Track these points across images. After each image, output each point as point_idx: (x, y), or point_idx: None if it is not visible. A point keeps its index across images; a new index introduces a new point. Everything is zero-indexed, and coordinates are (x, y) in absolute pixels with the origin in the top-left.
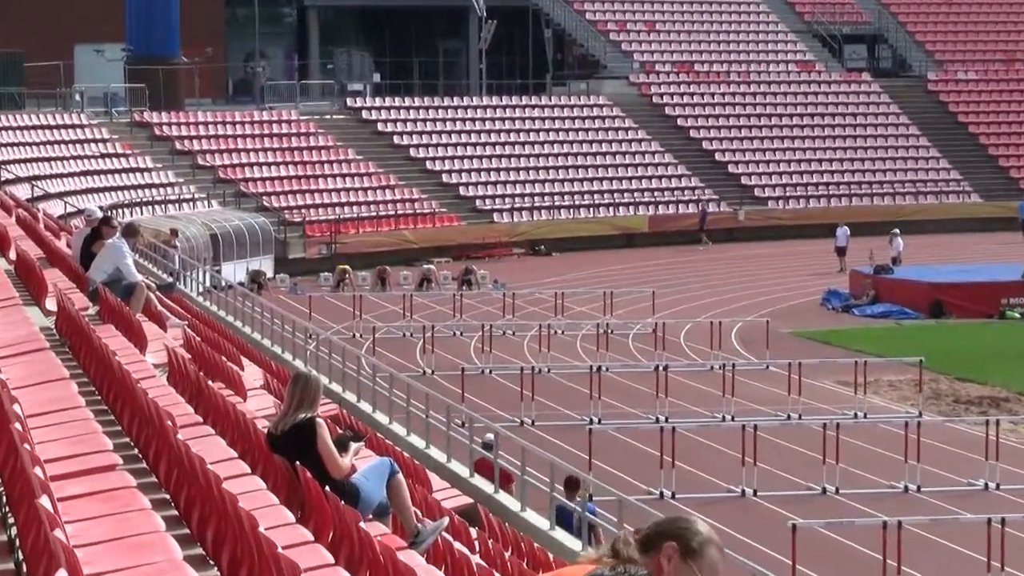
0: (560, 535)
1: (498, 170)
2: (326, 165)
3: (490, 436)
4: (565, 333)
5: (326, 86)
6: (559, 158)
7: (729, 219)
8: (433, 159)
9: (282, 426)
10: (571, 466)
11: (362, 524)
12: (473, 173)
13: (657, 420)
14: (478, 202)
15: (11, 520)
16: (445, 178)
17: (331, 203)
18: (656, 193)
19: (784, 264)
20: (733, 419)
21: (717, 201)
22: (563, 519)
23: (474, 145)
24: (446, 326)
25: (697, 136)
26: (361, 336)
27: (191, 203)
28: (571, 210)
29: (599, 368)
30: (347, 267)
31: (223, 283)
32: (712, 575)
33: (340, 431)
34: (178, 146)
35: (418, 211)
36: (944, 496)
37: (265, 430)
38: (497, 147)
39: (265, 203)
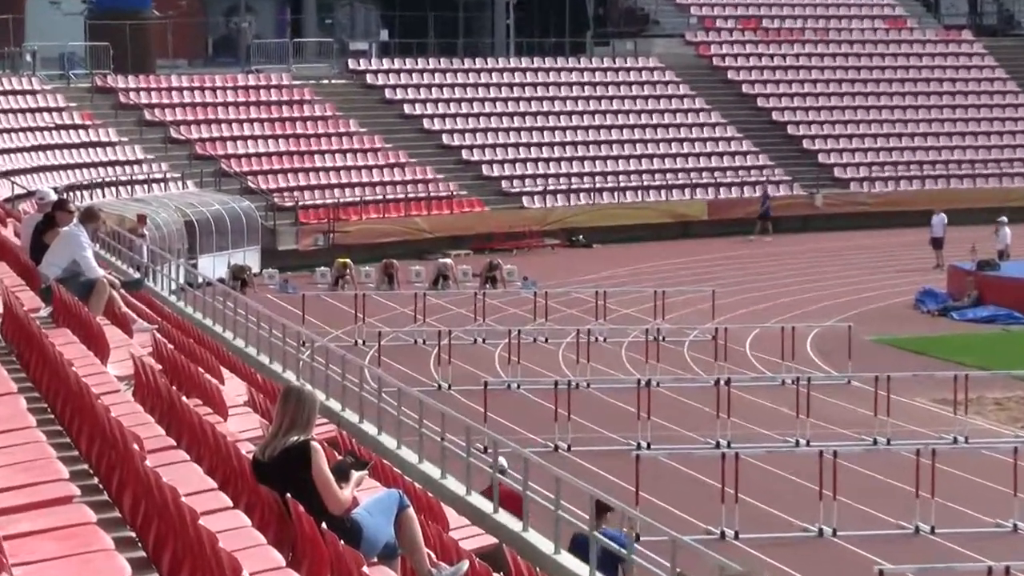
0: None
1: (528, 146)
2: (323, 139)
3: (501, 460)
4: (608, 340)
5: (323, 45)
6: (601, 131)
7: (804, 204)
8: (451, 132)
9: (270, 451)
10: (614, 499)
11: (365, 569)
12: (498, 149)
13: (717, 445)
14: (504, 184)
15: None
16: (465, 155)
17: (329, 184)
18: (717, 174)
19: (869, 258)
20: (808, 444)
21: (789, 183)
22: (578, 547)
23: (500, 116)
24: (466, 332)
25: (765, 105)
26: (364, 343)
27: (162, 184)
28: (615, 193)
29: (648, 382)
30: (348, 261)
31: (200, 279)
32: None
33: (339, 457)
34: (147, 116)
35: (433, 194)
36: None
37: (250, 455)
38: (527, 118)
39: (251, 184)
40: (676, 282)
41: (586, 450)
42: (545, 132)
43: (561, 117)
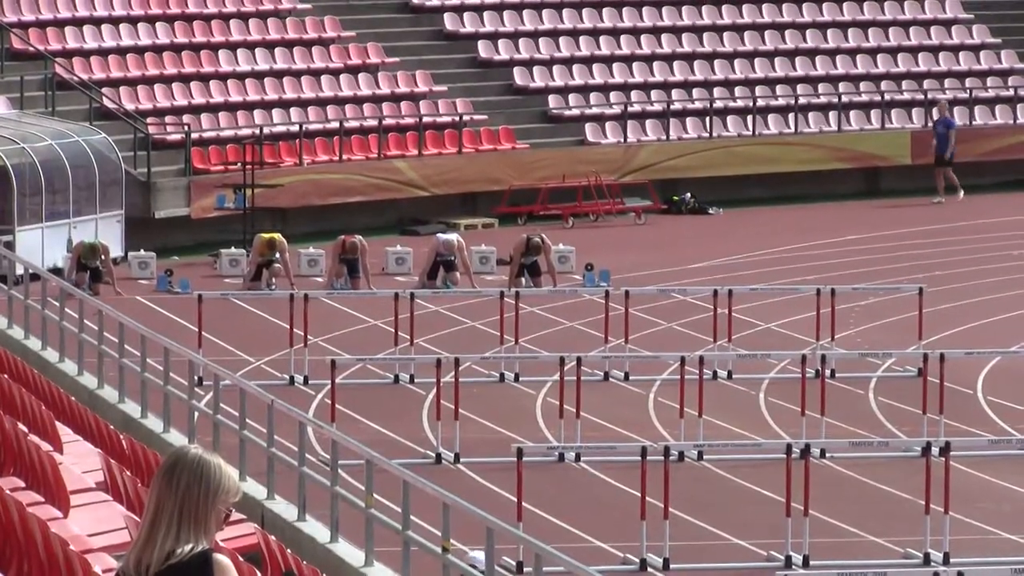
0: None
1: (593, 33)
2: (236, 23)
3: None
4: (735, 376)
5: None
6: (713, 13)
7: None
8: (458, 11)
9: (145, 565)
10: None
11: None
12: (542, 42)
13: (926, 560)
14: (553, 102)
15: None
16: (483, 52)
17: (245, 103)
18: (929, 84)
19: None
20: None
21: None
22: None
23: None
24: (485, 361)
25: None
26: (307, 381)
27: None
28: (746, 119)
29: (806, 450)
30: (277, 237)
31: (18, 271)
32: None
33: None
34: None
35: (427, 120)
36: None
37: None
38: None
39: (108, 102)
40: (852, 274)
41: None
42: (623, 13)
43: None
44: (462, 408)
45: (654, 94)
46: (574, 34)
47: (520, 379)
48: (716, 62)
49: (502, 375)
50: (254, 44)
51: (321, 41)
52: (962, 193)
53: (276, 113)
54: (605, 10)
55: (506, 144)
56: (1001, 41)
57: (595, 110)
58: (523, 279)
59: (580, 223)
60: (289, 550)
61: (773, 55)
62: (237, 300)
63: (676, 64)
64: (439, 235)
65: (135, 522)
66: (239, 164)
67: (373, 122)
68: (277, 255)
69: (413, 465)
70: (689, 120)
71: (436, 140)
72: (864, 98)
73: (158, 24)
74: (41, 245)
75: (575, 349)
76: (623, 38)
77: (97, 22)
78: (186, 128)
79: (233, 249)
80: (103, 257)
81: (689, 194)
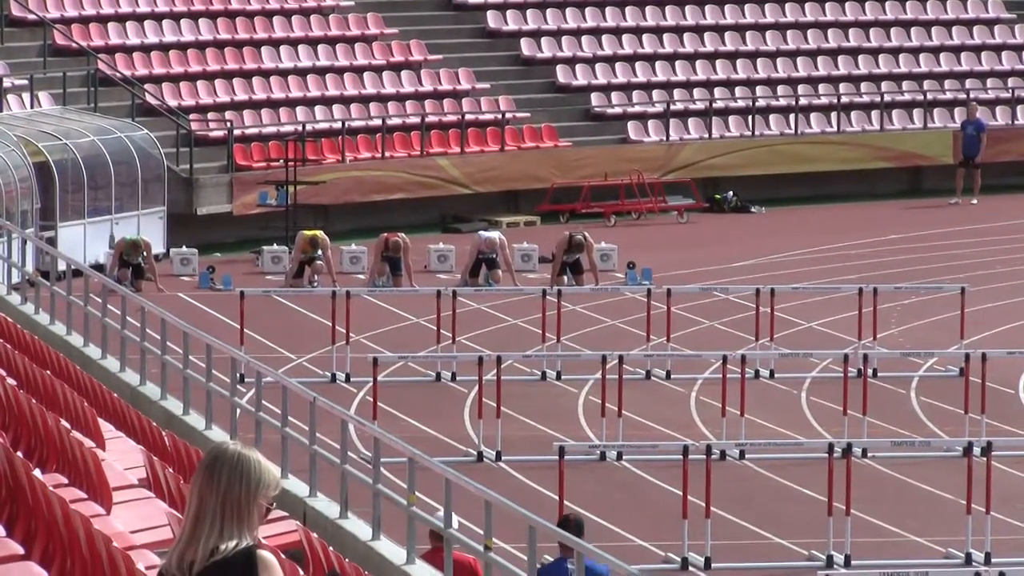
0: None
1: (636, 32)
2: (281, 19)
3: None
4: (777, 375)
5: None
6: (756, 12)
7: None
8: (501, 9)
9: (188, 565)
10: None
11: None
12: (585, 41)
13: (969, 561)
14: (595, 100)
15: None
16: (526, 50)
17: (288, 99)
18: (971, 84)
19: None
20: None
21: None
22: None
23: None
24: (527, 359)
25: None
26: (349, 379)
27: None
28: (788, 118)
29: (848, 449)
30: (318, 234)
31: (60, 267)
32: None
33: None
34: None
35: (470, 118)
36: None
37: (153, 574)
38: None
39: (151, 98)
40: (894, 273)
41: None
42: (666, 11)
43: None
44: (504, 406)
45: (697, 92)
46: (617, 32)
47: (562, 377)
48: (759, 61)
49: (544, 373)
50: (297, 41)
51: (364, 38)
52: (976, 200)
53: (319, 110)
54: (648, 8)
55: (548, 142)
56: None
57: (637, 108)
58: (565, 277)
59: (622, 221)
60: (331, 548)
61: (816, 54)
62: (279, 297)
63: (719, 63)
64: (481, 233)
65: (177, 519)
66: (281, 161)
67: (415, 119)
68: (319, 252)
69: (455, 463)
70: (731, 119)
71: (478, 138)
72: (907, 97)
73: (201, 20)
74: (83, 241)
75: (617, 347)
76: (666, 36)
77: (140, 18)
78: (229, 124)
79: (275, 246)
80: (145, 254)
81: (731, 193)
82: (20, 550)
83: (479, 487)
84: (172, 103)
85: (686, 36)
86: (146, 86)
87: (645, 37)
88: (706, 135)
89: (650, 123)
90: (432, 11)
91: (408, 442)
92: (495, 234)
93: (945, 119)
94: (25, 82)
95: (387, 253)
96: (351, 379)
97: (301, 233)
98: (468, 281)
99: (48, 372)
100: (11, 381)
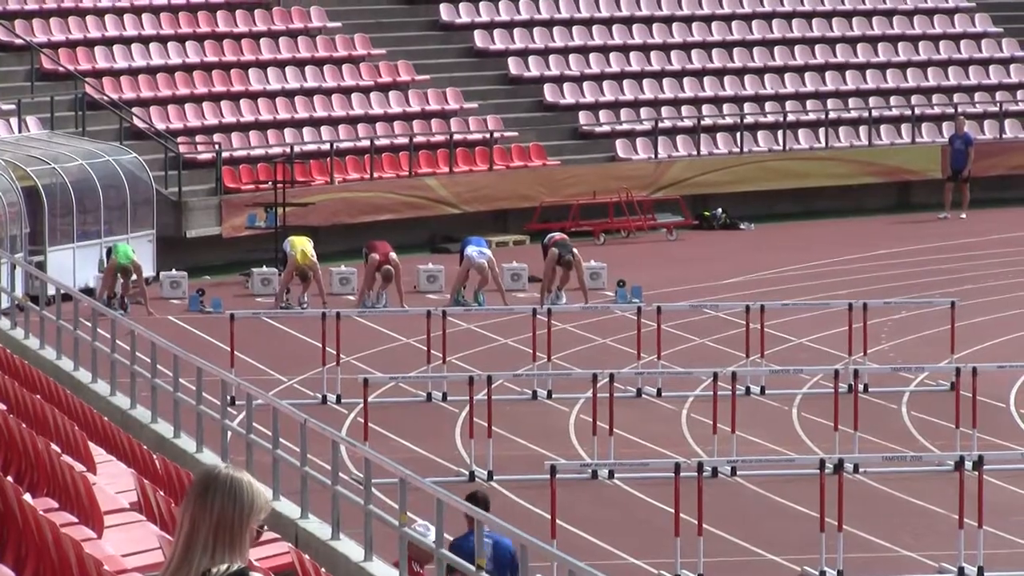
0: None
1: (624, 50)
2: (266, 41)
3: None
4: (768, 392)
5: None
6: (744, 29)
7: None
8: (487, 27)
9: None
10: None
11: None
12: (572, 58)
13: (961, 575)
14: (584, 119)
15: None
16: (514, 69)
17: (275, 121)
18: (959, 98)
19: None
20: None
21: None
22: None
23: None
24: (518, 378)
25: None
26: (340, 400)
27: None
28: (777, 134)
29: (839, 466)
30: (307, 251)
31: (51, 291)
32: None
33: None
34: None
35: (458, 137)
36: None
37: None
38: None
39: (139, 121)
40: (883, 288)
41: None
42: (653, 29)
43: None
44: (495, 426)
45: (684, 110)
46: (604, 50)
47: (553, 396)
48: (746, 77)
49: (535, 392)
50: (284, 63)
51: (351, 59)
52: (965, 215)
53: (307, 131)
54: (635, 26)
55: (537, 161)
56: None
57: (626, 126)
58: (554, 295)
59: (611, 239)
60: (323, 569)
61: (803, 70)
62: (269, 319)
63: (706, 80)
64: (473, 257)
65: (169, 542)
66: (270, 183)
67: (404, 140)
68: (308, 275)
69: (446, 483)
70: (720, 136)
71: (467, 157)
72: (894, 112)
73: (188, 43)
74: (73, 265)
75: (608, 366)
76: (653, 54)
77: (127, 42)
78: (217, 147)
79: (264, 268)
80: (135, 277)
81: (720, 209)
82: (11, 575)
83: (470, 507)
84: (160, 126)
85: (673, 54)
86: (134, 109)
87: (632, 55)
88: (694, 152)
89: (638, 141)
90: (420, 31)
91: (399, 463)
92: (485, 260)
93: (933, 134)
94: (13, 107)
95: (380, 274)
96: (342, 400)
97: (294, 245)
98: (456, 302)
99: (38, 396)
100: (1, 406)
